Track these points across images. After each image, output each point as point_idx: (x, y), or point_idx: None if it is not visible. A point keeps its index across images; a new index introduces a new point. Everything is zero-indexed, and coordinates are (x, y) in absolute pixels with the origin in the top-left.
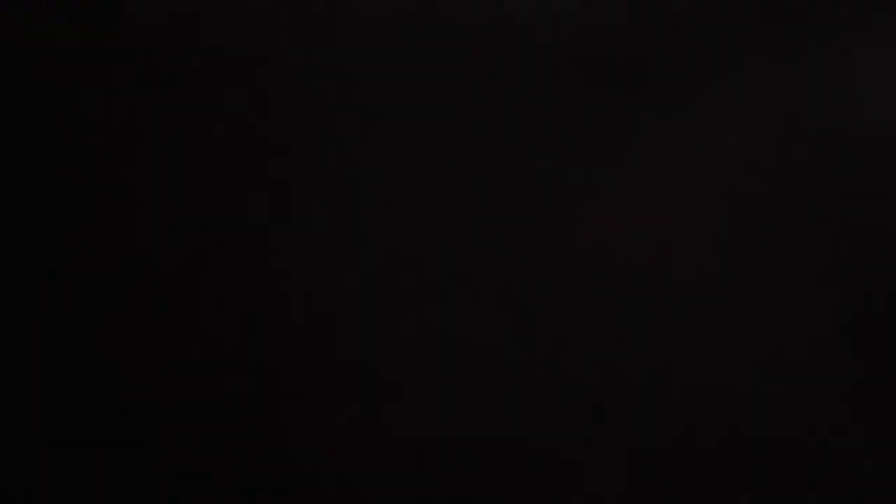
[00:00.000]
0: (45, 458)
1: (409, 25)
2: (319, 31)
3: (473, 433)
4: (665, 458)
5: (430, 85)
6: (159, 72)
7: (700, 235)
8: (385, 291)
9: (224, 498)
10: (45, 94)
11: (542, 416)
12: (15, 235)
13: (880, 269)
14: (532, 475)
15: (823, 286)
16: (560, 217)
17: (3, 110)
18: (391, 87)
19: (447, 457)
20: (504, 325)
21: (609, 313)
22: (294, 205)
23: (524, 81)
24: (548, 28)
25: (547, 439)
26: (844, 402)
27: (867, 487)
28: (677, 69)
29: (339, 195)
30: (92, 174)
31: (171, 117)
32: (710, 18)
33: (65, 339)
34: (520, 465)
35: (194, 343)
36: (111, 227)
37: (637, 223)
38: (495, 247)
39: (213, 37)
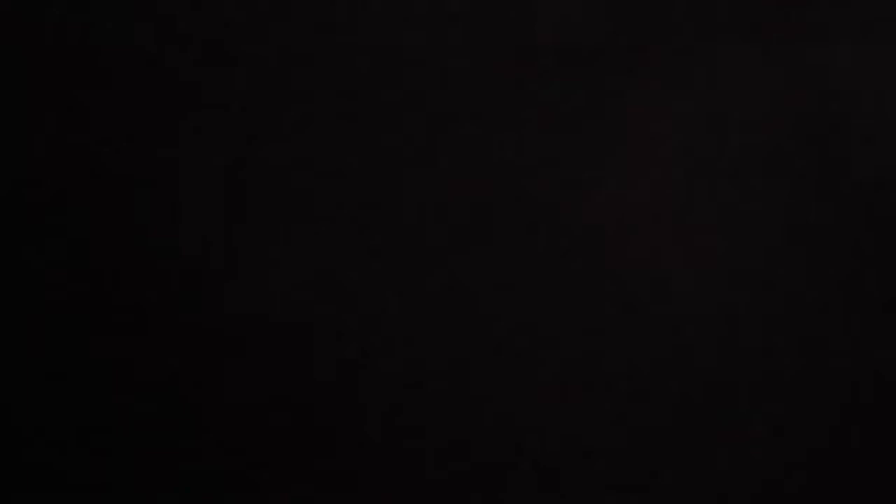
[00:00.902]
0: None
1: (399, 17)
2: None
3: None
4: (658, 433)
5: (418, 70)
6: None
7: (686, 210)
8: (384, 274)
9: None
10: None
11: (541, 394)
12: None
13: (874, 252)
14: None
15: (815, 263)
16: (554, 196)
17: None
18: (380, 76)
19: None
20: (505, 307)
21: (605, 294)
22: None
23: (506, 70)
24: (532, 16)
25: (545, 417)
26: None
27: (869, 488)
28: (663, 55)
29: (332, 181)
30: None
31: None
32: (694, 7)
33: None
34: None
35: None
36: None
37: (627, 201)
38: (487, 229)
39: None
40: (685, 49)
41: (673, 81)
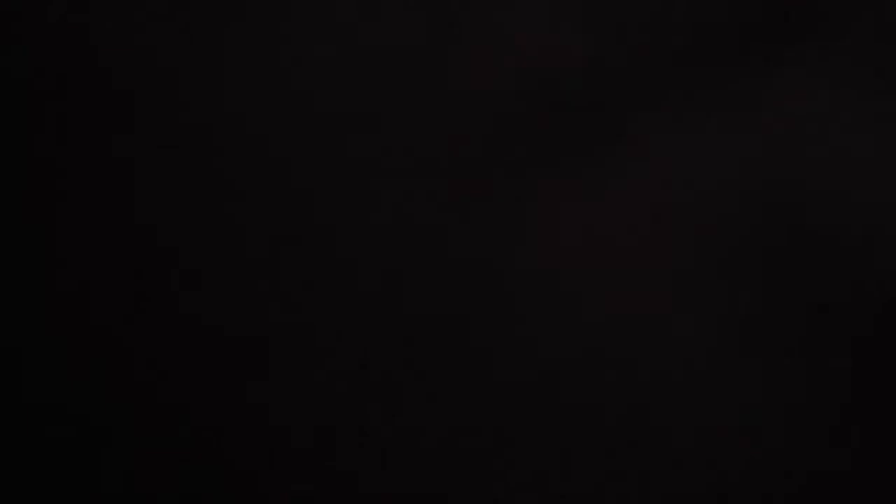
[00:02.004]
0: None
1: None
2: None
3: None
4: (636, 453)
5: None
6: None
7: (659, 255)
8: (364, 298)
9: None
10: None
11: (512, 417)
12: None
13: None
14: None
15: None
16: (517, 239)
17: None
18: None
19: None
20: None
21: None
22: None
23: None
24: (514, 65)
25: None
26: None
27: None
28: (642, 106)
29: (320, 212)
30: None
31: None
32: (675, 58)
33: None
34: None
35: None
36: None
37: (599, 239)
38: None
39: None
40: (645, 119)
41: (632, 151)
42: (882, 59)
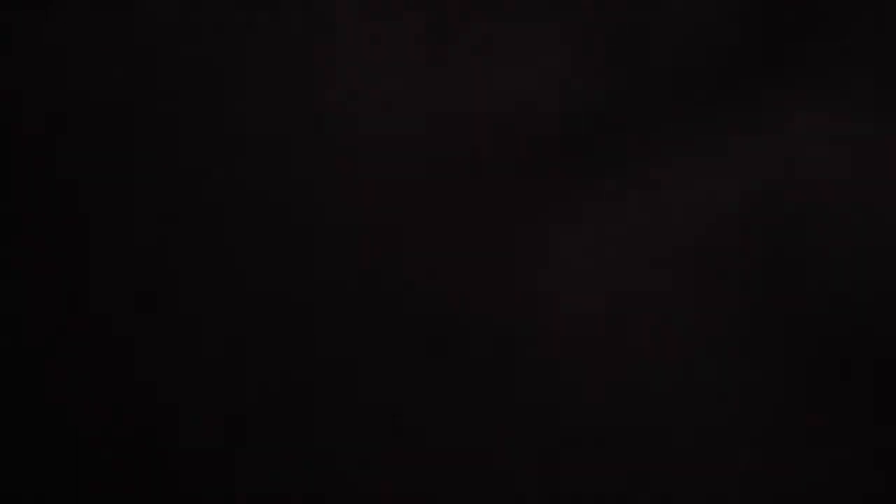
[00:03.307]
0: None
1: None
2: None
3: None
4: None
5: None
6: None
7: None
8: (360, 350)
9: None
10: None
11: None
12: None
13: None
14: None
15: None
16: (514, 278)
17: None
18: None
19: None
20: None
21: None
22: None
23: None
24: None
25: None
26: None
27: None
28: (638, 143)
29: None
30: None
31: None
32: (676, 93)
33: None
34: None
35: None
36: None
37: (591, 285)
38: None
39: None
40: (641, 142)
41: (629, 176)
42: (885, 83)
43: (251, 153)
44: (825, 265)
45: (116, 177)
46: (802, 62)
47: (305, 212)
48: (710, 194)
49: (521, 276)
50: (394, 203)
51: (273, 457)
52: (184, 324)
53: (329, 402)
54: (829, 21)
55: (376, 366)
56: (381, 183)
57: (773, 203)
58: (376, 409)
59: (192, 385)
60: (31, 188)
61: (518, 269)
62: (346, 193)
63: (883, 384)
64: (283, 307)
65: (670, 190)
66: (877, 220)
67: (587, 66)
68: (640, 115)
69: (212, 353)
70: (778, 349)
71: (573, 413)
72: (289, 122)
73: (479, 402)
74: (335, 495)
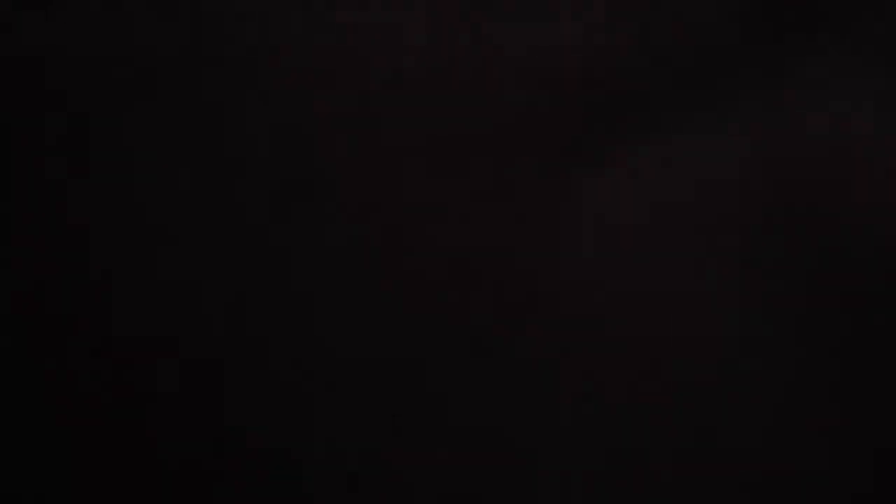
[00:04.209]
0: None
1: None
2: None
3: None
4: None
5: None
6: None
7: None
8: (365, 336)
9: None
10: None
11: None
12: None
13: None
14: None
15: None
16: (538, 233)
17: None
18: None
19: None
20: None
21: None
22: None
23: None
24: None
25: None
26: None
27: None
28: (655, 110)
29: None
30: None
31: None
32: (695, 58)
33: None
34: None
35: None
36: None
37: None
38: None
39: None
40: (655, 119)
41: (645, 153)
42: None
43: (260, 146)
44: (855, 241)
45: (116, 177)
46: (826, 26)
47: (320, 192)
48: (729, 168)
49: (539, 242)
50: (412, 177)
51: (273, 456)
52: (184, 322)
53: (329, 401)
54: None
55: (388, 358)
56: (398, 149)
57: (793, 177)
58: (380, 406)
59: (192, 385)
60: (31, 188)
61: (537, 235)
62: (361, 167)
63: None
64: (283, 296)
65: (688, 161)
66: None
67: (607, 31)
68: (661, 84)
69: (214, 352)
70: (809, 335)
71: (573, 380)
72: (305, 112)
73: (525, 400)
74: (336, 495)
